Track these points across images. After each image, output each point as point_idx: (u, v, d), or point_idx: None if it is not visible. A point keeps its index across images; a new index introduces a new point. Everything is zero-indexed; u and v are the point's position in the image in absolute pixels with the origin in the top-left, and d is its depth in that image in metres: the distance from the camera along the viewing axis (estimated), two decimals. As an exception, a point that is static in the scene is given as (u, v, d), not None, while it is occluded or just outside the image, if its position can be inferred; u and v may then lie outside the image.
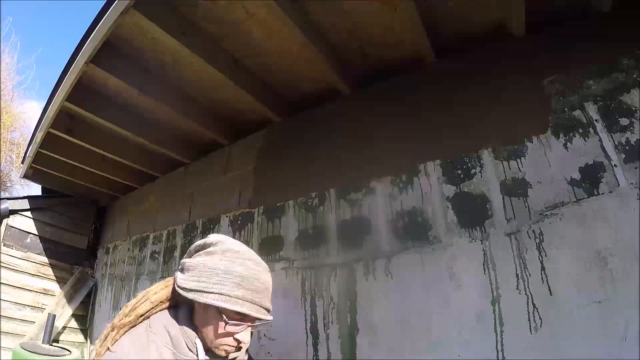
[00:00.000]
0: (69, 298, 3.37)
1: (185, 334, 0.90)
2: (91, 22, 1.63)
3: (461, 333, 1.41)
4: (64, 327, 3.27)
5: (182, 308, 0.95)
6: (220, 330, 0.88)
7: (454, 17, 1.66)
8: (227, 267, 0.89)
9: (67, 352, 2.45)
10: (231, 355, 0.95)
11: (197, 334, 0.91)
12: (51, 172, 3.13)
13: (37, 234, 3.40)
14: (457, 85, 1.76)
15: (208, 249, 0.94)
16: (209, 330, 0.90)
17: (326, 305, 1.77)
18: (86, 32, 1.69)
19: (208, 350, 0.92)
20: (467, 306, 1.43)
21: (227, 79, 1.90)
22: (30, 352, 2.25)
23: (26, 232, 3.34)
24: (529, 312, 1.31)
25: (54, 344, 2.81)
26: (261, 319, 0.91)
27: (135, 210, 3.46)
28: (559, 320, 1.26)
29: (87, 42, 1.68)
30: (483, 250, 1.46)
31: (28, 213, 3.39)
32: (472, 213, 1.54)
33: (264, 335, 1.91)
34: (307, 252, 1.94)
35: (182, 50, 1.73)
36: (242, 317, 0.88)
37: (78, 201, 3.73)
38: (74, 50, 1.81)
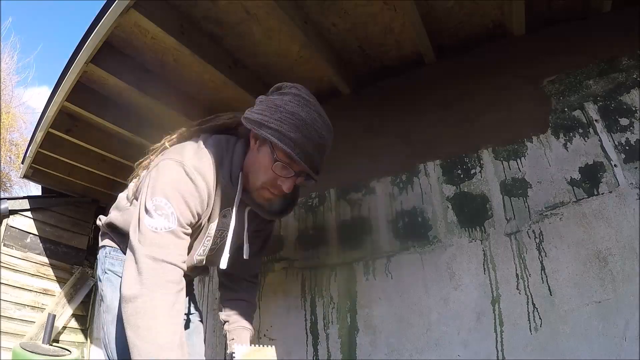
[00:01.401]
0: (69, 298, 3.37)
1: (233, 163, 0.91)
2: (91, 22, 1.63)
3: (461, 333, 1.41)
4: (64, 327, 3.26)
5: (241, 141, 0.96)
6: (267, 171, 0.87)
7: (454, 17, 1.66)
8: (293, 109, 0.86)
9: (67, 352, 2.44)
10: (268, 212, 0.96)
11: (244, 173, 0.92)
12: (51, 172, 3.12)
13: (37, 234, 3.39)
14: (457, 85, 1.76)
15: (283, 90, 0.92)
16: (257, 168, 0.89)
17: (326, 305, 1.77)
18: (86, 32, 1.68)
19: (247, 193, 0.93)
20: (467, 306, 1.43)
21: (227, 79, 1.90)
22: (30, 352, 2.24)
23: (26, 232, 3.34)
24: (528, 312, 1.31)
25: (54, 344, 2.81)
26: (307, 173, 0.88)
27: (135, 210, 3.45)
28: (559, 320, 1.26)
29: (87, 42, 1.68)
30: (483, 250, 1.46)
31: (28, 213, 3.38)
32: (472, 213, 1.54)
33: (264, 335, 1.91)
34: (307, 252, 1.94)
35: (182, 50, 1.73)
36: (291, 162, 0.86)
37: (78, 201, 3.73)
38: (74, 50, 1.81)
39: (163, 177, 0.83)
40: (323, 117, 0.92)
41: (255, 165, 0.90)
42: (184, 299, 0.80)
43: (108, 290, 0.94)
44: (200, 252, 0.96)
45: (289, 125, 0.84)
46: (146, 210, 0.80)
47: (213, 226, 0.94)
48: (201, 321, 1.16)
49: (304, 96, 0.90)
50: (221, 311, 1.15)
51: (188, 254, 0.89)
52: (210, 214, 0.91)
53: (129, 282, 0.74)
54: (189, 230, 0.84)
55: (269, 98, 0.91)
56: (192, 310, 1.15)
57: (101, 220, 1.06)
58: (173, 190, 0.81)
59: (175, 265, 0.78)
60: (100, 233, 1.06)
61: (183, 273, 0.81)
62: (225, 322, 1.12)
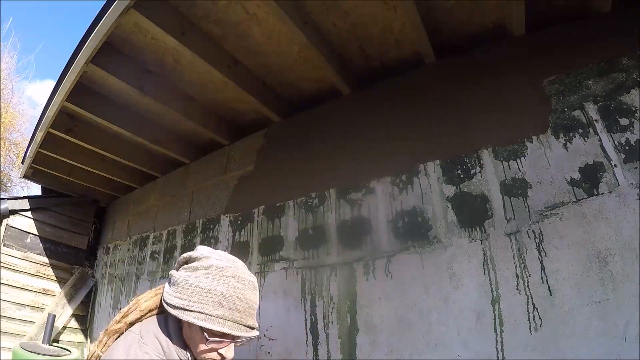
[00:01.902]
0: (69, 298, 3.37)
1: (176, 347, 0.91)
2: (91, 22, 1.63)
3: (461, 333, 1.41)
4: (64, 327, 3.26)
5: (172, 320, 0.95)
6: (203, 347, 0.88)
7: (454, 17, 1.66)
8: (209, 285, 0.88)
9: (67, 352, 2.45)
10: None
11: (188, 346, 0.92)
12: (51, 172, 3.13)
13: (37, 234, 3.39)
14: (457, 85, 1.76)
15: (192, 264, 0.93)
16: (194, 343, 0.90)
17: (326, 305, 1.77)
18: (86, 32, 1.69)
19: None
20: (467, 306, 1.43)
21: (227, 79, 1.90)
22: (30, 352, 2.24)
23: (26, 232, 3.34)
24: (528, 312, 1.31)
25: (54, 344, 2.81)
26: (243, 337, 0.90)
27: (135, 210, 3.46)
28: (559, 320, 1.26)
29: (87, 42, 1.68)
30: (483, 250, 1.46)
31: (28, 213, 3.38)
32: (472, 213, 1.54)
33: (264, 335, 1.91)
34: (307, 252, 1.94)
35: (182, 50, 1.73)
36: (224, 335, 0.88)
37: (78, 201, 3.73)
38: (74, 50, 1.81)
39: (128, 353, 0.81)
40: (240, 278, 0.92)
41: (193, 343, 0.90)
42: None
43: None
44: None
45: (211, 305, 0.86)
46: None
47: None
48: None
49: (214, 265, 0.91)
50: None
51: None
52: None
53: None
54: None
55: (182, 275, 0.92)
56: None
57: None
58: None
59: None
60: None
61: None
62: None
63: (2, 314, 2.95)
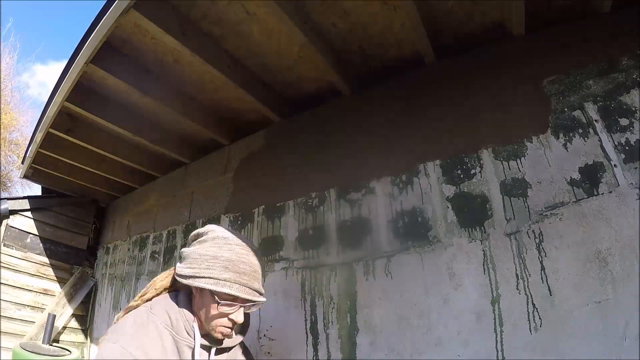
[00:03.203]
0: (69, 298, 3.37)
1: (184, 317, 0.96)
2: (91, 22, 1.63)
3: (461, 333, 1.41)
4: (64, 327, 3.26)
5: (182, 293, 1.02)
6: (214, 312, 0.95)
7: (454, 17, 1.66)
8: (215, 253, 0.96)
9: (67, 352, 2.44)
10: (227, 341, 1.03)
11: (195, 318, 0.98)
12: (51, 172, 3.13)
13: (37, 234, 3.39)
14: (457, 85, 1.76)
15: (200, 238, 1.02)
16: (205, 313, 0.96)
17: (326, 305, 1.77)
18: (86, 32, 1.69)
19: (206, 335, 0.98)
20: (467, 306, 1.43)
21: (227, 79, 1.90)
22: (30, 352, 2.24)
23: (26, 232, 3.34)
24: (528, 312, 1.31)
25: (54, 344, 2.81)
26: (251, 300, 0.97)
27: (135, 210, 3.46)
28: (559, 320, 1.26)
29: (87, 42, 1.68)
30: (483, 250, 1.46)
31: (28, 213, 3.38)
32: (472, 213, 1.54)
33: (264, 335, 1.91)
34: (307, 252, 1.94)
35: (182, 50, 1.73)
36: (234, 298, 0.94)
37: (78, 201, 3.73)
38: (74, 50, 1.81)
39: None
40: (245, 246, 1.00)
41: (204, 311, 0.97)
42: None
43: None
44: None
45: (218, 269, 0.94)
46: None
47: None
48: None
49: (221, 237, 1.00)
50: None
51: None
52: None
53: None
54: None
55: (192, 250, 1.00)
56: None
57: None
58: None
59: None
60: None
61: None
62: None
63: (2, 314, 2.95)
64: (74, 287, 3.46)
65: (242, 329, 1.12)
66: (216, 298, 0.93)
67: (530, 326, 1.29)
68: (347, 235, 1.84)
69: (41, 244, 3.40)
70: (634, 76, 1.39)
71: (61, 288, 3.40)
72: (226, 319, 0.96)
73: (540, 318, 1.29)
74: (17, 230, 3.29)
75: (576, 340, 1.21)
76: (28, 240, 3.34)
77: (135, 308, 1.01)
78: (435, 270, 1.54)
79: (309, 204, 2.04)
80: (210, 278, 0.93)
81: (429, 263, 1.56)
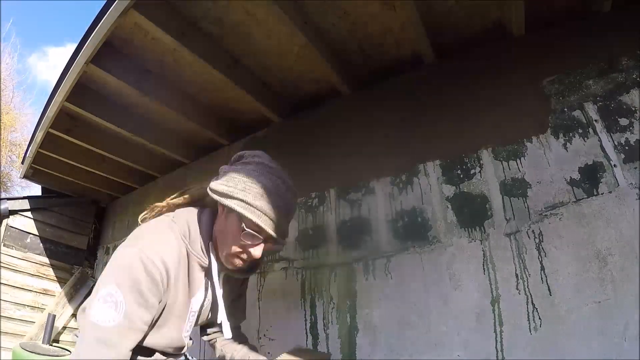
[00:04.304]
0: (69, 298, 3.37)
1: (203, 235, 0.93)
2: (91, 22, 1.63)
3: (461, 333, 1.41)
4: (64, 327, 3.26)
5: (208, 211, 0.98)
6: (235, 238, 0.89)
7: (453, 17, 1.66)
8: (257, 178, 0.90)
9: (67, 352, 2.44)
10: (235, 275, 0.98)
11: (213, 242, 0.94)
12: (51, 172, 3.12)
13: (37, 234, 3.39)
14: (457, 85, 1.76)
15: (245, 160, 0.97)
16: (225, 236, 0.91)
17: (326, 305, 1.77)
18: (86, 32, 1.68)
19: (217, 260, 0.94)
20: (467, 306, 1.43)
21: (227, 79, 1.90)
22: (30, 352, 2.24)
23: (26, 232, 3.34)
24: (528, 312, 1.31)
25: (54, 344, 2.81)
26: (275, 238, 0.91)
27: (135, 210, 3.45)
28: (558, 320, 1.26)
29: (87, 42, 1.68)
30: (483, 250, 1.46)
31: (28, 213, 3.38)
32: (471, 213, 1.54)
33: (264, 335, 1.91)
34: (307, 252, 1.94)
35: (182, 51, 1.73)
36: (259, 230, 0.88)
37: (78, 201, 3.73)
38: (74, 50, 1.81)
39: (117, 265, 0.82)
40: (286, 182, 0.95)
41: (224, 234, 0.92)
42: None
43: None
44: (188, 327, 0.96)
45: (254, 195, 0.87)
46: (97, 300, 0.78)
47: (195, 301, 0.94)
48: None
49: (266, 164, 0.94)
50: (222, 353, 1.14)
51: (174, 335, 0.91)
52: (189, 290, 0.91)
53: None
54: (144, 320, 0.82)
55: (232, 168, 0.95)
56: None
57: None
58: (129, 279, 0.79)
59: None
60: None
61: None
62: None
63: (2, 314, 2.95)
64: (74, 287, 3.46)
65: (253, 267, 1.04)
66: (242, 225, 0.87)
67: (530, 326, 1.29)
68: (347, 235, 1.84)
69: (41, 244, 3.39)
70: (634, 76, 1.39)
71: (61, 288, 3.40)
72: (244, 252, 0.91)
73: (540, 318, 1.29)
74: (17, 230, 3.29)
75: (576, 340, 1.21)
76: (28, 240, 3.33)
77: (160, 209, 1.01)
78: (435, 270, 1.54)
79: (309, 204, 2.04)
80: (243, 201, 0.87)
81: (428, 263, 1.56)
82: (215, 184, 0.93)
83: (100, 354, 0.74)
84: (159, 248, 0.85)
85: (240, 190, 0.88)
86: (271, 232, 0.88)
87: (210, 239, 0.93)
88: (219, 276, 0.95)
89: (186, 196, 1.03)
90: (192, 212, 0.97)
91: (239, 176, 0.90)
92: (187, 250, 0.90)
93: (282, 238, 0.94)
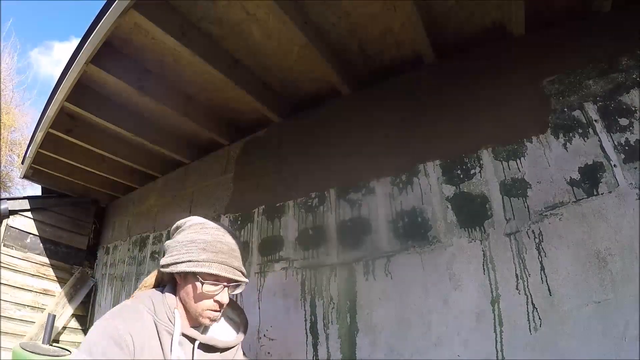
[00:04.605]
0: (69, 298, 3.37)
1: (166, 304, 0.99)
2: (91, 22, 1.63)
3: (461, 333, 1.41)
4: (64, 327, 3.26)
5: (167, 287, 1.06)
6: (199, 293, 0.97)
7: (454, 17, 1.66)
8: (193, 237, 1.00)
9: (67, 352, 2.44)
10: (223, 338, 1.05)
11: (182, 307, 1.01)
12: (51, 172, 3.13)
13: (37, 234, 3.39)
14: (457, 85, 1.76)
15: (181, 228, 1.06)
16: (191, 298, 0.98)
17: (326, 305, 1.77)
18: (86, 32, 1.69)
19: (196, 326, 1.01)
20: (466, 306, 1.43)
21: (227, 79, 1.90)
22: (30, 352, 2.24)
23: (26, 232, 3.34)
24: (528, 312, 1.31)
25: (54, 344, 2.81)
26: (233, 279, 0.99)
27: (135, 210, 3.46)
28: (558, 320, 1.26)
29: (87, 42, 1.68)
30: (482, 250, 1.46)
31: (28, 213, 3.38)
32: (471, 213, 1.54)
33: (264, 335, 1.91)
34: (307, 252, 1.94)
35: (182, 50, 1.73)
36: (216, 278, 0.97)
37: (78, 201, 3.73)
38: (74, 50, 1.81)
39: (88, 337, 0.91)
40: (221, 229, 1.05)
41: (189, 296, 0.99)
42: None
43: None
44: None
45: (197, 252, 0.97)
46: None
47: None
48: None
49: (197, 223, 1.05)
50: None
51: None
52: (163, 354, 0.96)
53: None
54: None
55: (171, 241, 1.05)
56: None
57: None
58: (96, 345, 0.87)
59: None
60: None
61: None
62: None
63: (2, 314, 2.95)
64: (74, 287, 3.46)
65: (241, 326, 1.13)
66: (200, 279, 0.95)
67: (530, 326, 1.29)
68: (347, 235, 1.84)
69: (41, 244, 3.40)
70: (634, 76, 1.39)
71: (61, 288, 3.40)
72: (212, 301, 0.98)
73: (540, 318, 1.29)
74: (17, 230, 3.29)
75: (576, 340, 1.21)
76: (28, 240, 3.34)
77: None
78: (435, 271, 1.54)
79: (309, 204, 2.04)
80: (190, 261, 0.95)
81: (428, 263, 1.56)
82: (163, 261, 1.01)
83: None
84: (125, 318, 0.93)
85: (184, 254, 0.97)
86: (226, 274, 0.96)
87: (175, 306, 1.01)
88: (192, 346, 1.00)
89: (146, 285, 1.11)
90: (153, 291, 1.05)
91: (179, 244, 1.00)
92: (154, 322, 0.96)
93: (242, 274, 1.01)
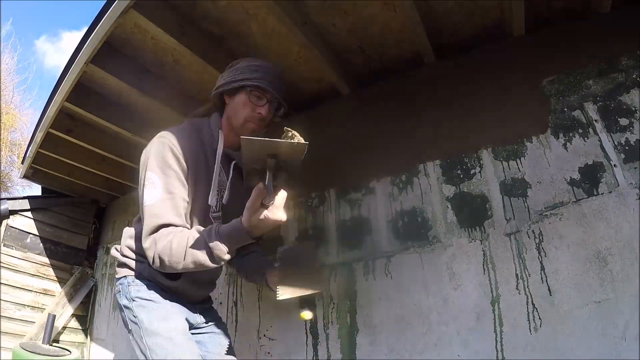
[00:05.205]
0: (69, 298, 3.37)
1: (212, 124, 1.20)
2: (91, 22, 1.63)
3: (461, 333, 1.41)
4: (64, 327, 3.26)
5: (212, 115, 1.24)
6: (246, 105, 1.13)
7: (453, 17, 1.66)
8: (245, 63, 1.19)
9: (67, 352, 2.44)
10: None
11: (226, 128, 1.20)
12: (51, 172, 3.12)
13: (37, 234, 3.39)
14: (456, 85, 1.76)
15: (232, 65, 1.22)
16: (237, 111, 1.15)
17: (326, 305, 1.77)
18: (86, 32, 1.68)
19: (236, 136, 1.15)
20: (466, 306, 1.43)
21: (227, 79, 1.90)
22: (30, 352, 2.24)
23: (26, 232, 3.34)
24: (528, 312, 1.31)
25: (54, 344, 2.81)
26: (275, 97, 1.17)
27: (135, 210, 3.45)
28: (558, 320, 1.26)
29: (87, 42, 1.68)
30: (483, 250, 1.46)
31: (28, 213, 3.38)
32: (471, 213, 1.54)
33: (264, 335, 1.91)
34: (307, 252, 1.94)
35: (181, 50, 1.73)
36: (262, 90, 1.14)
37: (78, 201, 3.73)
38: (73, 50, 1.81)
39: (148, 151, 1.12)
40: (267, 60, 1.27)
41: (235, 110, 1.16)
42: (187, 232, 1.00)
43: (143, 315, 1.07)
44: (214, 201, 1.16)
45: (249, 71, 1.15)
46: (141, 187, 1.09)
47: (215, 179, 1.16)
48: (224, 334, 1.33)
49: (247, 59, 1.22)
50: (241, 272, 1.46)
51: (202, 213, 1.14)
52: (206, 172, 1.14)
53: (147, 246, 1.00)
54: (180, 186, 1.06)
55: (225, 73, 1.22)
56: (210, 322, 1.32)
57: (117, 249, 1.28)
58: (157, 159, 1.06)
59: (171, 224, 1.00)
60: (117, 264, 1.25)
61: (182, 222, 1.03)
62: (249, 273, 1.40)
63: (2, 314, 2.95)
64: (74, 287, 3.46)
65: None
66: (248, 90, 1.13)
67: (530, 326, 1.29)
68: (347, 235, 1.84)
69: (41, 244, 3.39)
70: (634, 76, 1.39)
71: (61, 288, 3.40)
72: (255, 113, 1.13)
73: (540, 318, 1.29)
74: (17, 230, 3.28)
75: (576, 340, 1.21)
76: (28, 240, 3.33)
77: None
78: (435, 270, 1.54)
79: (309, 204, 2.04)
80: (242, 79, 1.13)
81: (428, 263, 1.56)
82: (217, 83, 1.20)
83: (154, 223, 0.99)
84: (176, 135, 1.09)
85: (240, 74, 1.15)
86: (271, 89, 1.14)
87: (219, 128, 1.19)
88: (230, 164, 1.18)
89: (200, 111, 1.31)
90: (201, 119, 1.24)
91: (232, 69, 1.19)
92: (201, 140, 1.14)
93: (281, 96, 1.19)
